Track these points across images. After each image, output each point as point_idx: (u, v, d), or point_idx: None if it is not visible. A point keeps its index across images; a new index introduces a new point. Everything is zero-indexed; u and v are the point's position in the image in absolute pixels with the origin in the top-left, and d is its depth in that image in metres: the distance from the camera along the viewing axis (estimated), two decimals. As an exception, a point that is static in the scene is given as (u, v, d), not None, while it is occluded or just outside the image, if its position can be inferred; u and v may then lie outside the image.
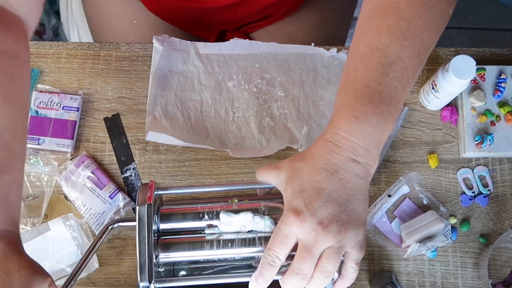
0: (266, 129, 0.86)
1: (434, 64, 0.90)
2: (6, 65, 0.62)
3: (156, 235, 0.65)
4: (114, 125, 0.87)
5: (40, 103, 0.85)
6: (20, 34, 0.67)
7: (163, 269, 0.67)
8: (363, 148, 0.58)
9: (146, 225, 0.62)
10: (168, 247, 0.65)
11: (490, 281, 0.78)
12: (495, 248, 0.82)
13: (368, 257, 0.82)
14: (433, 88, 0.83)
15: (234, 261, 0.65)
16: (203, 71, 0.89)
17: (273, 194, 0.67)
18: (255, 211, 0.65)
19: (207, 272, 0.71)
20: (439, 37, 0.65)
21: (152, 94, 0.86)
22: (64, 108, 0.85)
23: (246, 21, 1.04)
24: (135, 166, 0.85)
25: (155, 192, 0.65)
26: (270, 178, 0.63)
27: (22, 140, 0.62)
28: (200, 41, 0.91)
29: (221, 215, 0.64)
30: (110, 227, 0.66)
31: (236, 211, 0.64)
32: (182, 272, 0.72)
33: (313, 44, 0.90)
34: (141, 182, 0.85)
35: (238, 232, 0.65)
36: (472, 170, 0.85)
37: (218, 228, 0.65)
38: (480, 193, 0.85)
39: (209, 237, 0.64)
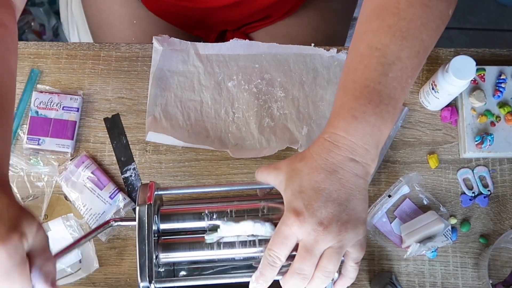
0: (266, 129, 0.86)
1: (434, 65, 0.90)
2: None
3: (156, 235, 0.65)
4: (114, 125, 0.87)
5: (40, 103, 0.85)
6: (8, 8, 0.69)
7: (163, 269, 0.67)
8: (361, 148, 0.58)
9: (146, 225, 0.62)
10: (168, 247, 0.65)
11: (490, 281, 0.78)
12: (495, 248, 0.82)
13: (368, 257, 0.82)
14: (433, 89, 0.83)
15: (235, 261, 0.65)
16: (203, 72, 0.89)
17: (273, 195, 0.67)
18: (255, 211, 0.65)
19: (207, 272, 0.71)
20: (439, 37, 0.65)
21: (152, 94, 0.86)
22: (64, 108, 0.85)
23: (246, 21, 1.04)
24: (135, 166, 0.85)
25: (155, 192, 0.65)
26: (269, 178, 0.63)
27: (10, 97, 0.65)
28: (200, 41, 0.91)
29: (221, 225, 0.64)
30: (111, 223, 0.66)
31: (236, 220, 0.64)
32: (182, 272, 0.72)
33: (313, 44, 0.90)
34: (141, 183, 0.85)
35: (238, 236, 0.64)
36: (472, 171, 0.85)
37: (218, 234, 0.64)
38: (480, 193, 0.85)
39: (209, 241, 0.64)
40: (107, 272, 0.82)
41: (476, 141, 0.83)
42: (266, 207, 0.65)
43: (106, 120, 0.87)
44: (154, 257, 0.63)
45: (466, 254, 0.83)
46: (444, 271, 0.82)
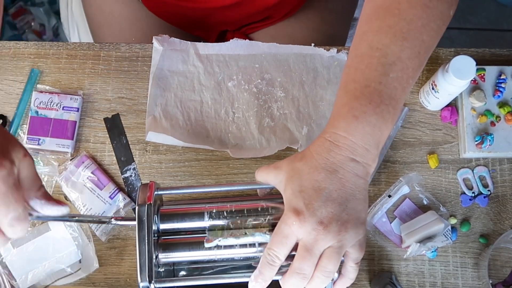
0: (266, 129, 0.86)
1: (434, 65, 0.90)
2: None
3: (156, 235, 0.65)
4: (114, 125, 0.87)
5: (40, 103, 0.85)
6: None
7: (163, 269, 0.67)
8: (362, 148, 0.59)
9: (146, 225, 0.62)
10: (168, 247, 0.65)
11: (490, 281, 0.78)
12: (495, 248, 0.82)
13: (368, 257, 0.83)
14: (433, 89, 0.83)
15: (234, 261, 0.65)
16: (203, 72, 0.89)
17: (273, 195, 0.67)
18: (255, 211, 0.65)
19: (207, 272, 0.71)
20: (439, 38, 0.65)
21: (152, 94, 0.86)
22: (64, 108, 0.85)
23: (246, 22, 1.04)
24: (135, 166, 0.85)
25: (155, 192, 0.65)
26: (269, 178, 0.63)
27: None
28: (200, 41, 0.91)
29: (222, 242, 0.63)
30: (112, 220, 0.66)
31: (236, 235, 0.63)
32: (182, 272, 0.72)
33: (313, 44, 0.90)
34: (141, 182, 0.85)
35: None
36: (472, 171, 0.85)
37: (218, 243, 0.64)
38: (480, 193, 0.85)
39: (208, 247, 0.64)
40: (107, 272, 0.82)
41: (476, 141, 0.83)
42: (266, 207, 0.65)
43: (106, 120, 0.87)
44: (154, 257, 0.63)
45: (466, 254, 0.83)
46: (444, 271, 0.82)
